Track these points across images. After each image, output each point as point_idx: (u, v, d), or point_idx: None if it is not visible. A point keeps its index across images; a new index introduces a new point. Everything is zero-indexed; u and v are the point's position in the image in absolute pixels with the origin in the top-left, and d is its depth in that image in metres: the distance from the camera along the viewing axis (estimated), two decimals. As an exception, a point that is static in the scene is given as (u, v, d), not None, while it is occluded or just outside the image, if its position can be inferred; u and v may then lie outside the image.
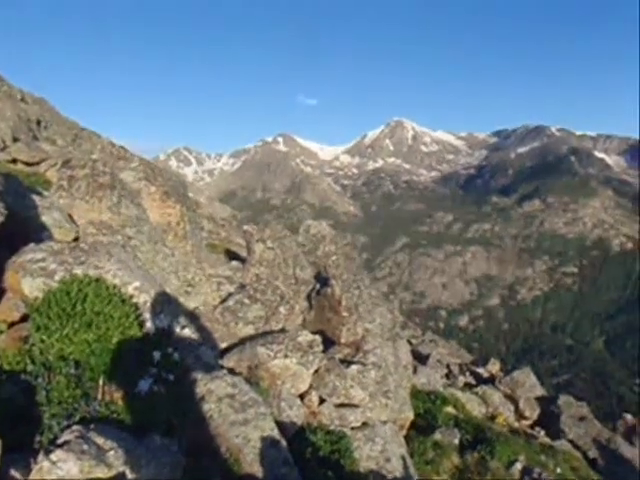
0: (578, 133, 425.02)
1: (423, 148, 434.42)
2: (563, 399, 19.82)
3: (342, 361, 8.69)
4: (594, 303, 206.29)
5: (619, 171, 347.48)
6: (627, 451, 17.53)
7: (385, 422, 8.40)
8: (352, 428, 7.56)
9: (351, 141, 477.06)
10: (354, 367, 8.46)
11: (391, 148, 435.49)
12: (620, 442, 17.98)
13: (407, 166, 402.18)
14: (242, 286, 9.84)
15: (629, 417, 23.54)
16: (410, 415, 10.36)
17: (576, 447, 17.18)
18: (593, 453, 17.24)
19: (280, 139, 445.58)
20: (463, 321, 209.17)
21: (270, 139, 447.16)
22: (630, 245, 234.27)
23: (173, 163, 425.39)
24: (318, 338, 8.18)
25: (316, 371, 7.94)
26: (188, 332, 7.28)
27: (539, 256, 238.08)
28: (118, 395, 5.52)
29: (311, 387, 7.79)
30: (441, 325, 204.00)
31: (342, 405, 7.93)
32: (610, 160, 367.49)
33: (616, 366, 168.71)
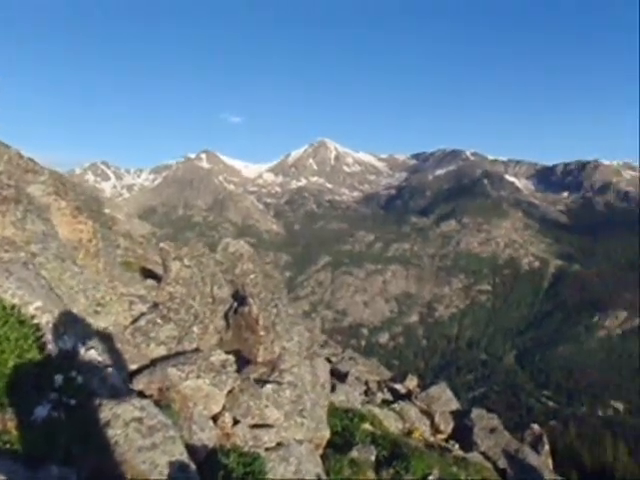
0: (491, 158, 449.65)
1: (345, 168, 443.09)
2: (476, 412, 20.53)
3: (257, 381, 8.58)
4: (506, 319, 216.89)
5: (528, 194, 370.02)
6: (534, 460, 18.41)
7: (301, 441, 8.34)
8: (266, 449, 7.44)
9: (275, 160, 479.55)
10: (269, 386, 8.36)
11: (314, 167, 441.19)
12: (527, 451, 18.85)
13: (330, 186, 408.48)
14: (155, 305, 9.54)
15: (536, 427, 24.75)
16: (326, 433, 10.36)
17: (487, 458, 17.83)
18: (503, 463, 17.96)
19: (203, 156, 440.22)
20: (384, 338, 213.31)
21: (193, 155, 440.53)
22: (538, 264, 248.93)
23: (90, 177, 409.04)
24: (231, 358, 8.04)
25: (230, 392, 7.78)
26: (94, 354, 6.94)
27: (455, 274, 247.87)
28: (12, 424, 5.17)
29: (224, 408, 7.62)
30: (362, 343, 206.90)
31: (256, 425, 7.80)
32: (520, 184, 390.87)
33: (526, 379, 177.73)
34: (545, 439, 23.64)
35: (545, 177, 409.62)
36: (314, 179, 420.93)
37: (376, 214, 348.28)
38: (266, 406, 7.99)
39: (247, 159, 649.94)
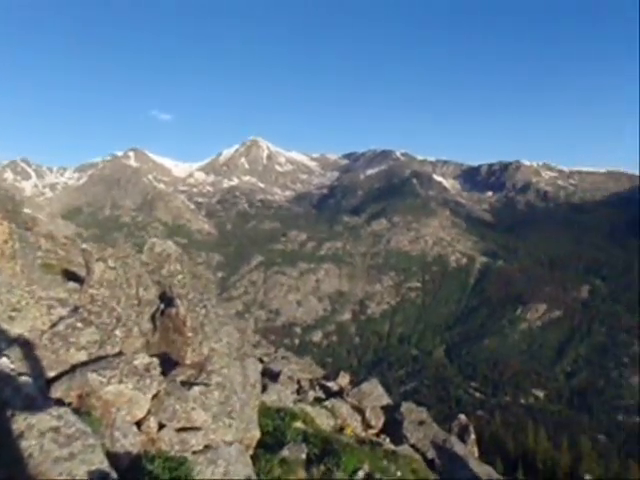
0: (419, 158, 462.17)
1: (278, 168, 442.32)
2: (405, 406, 21.01)
3: (184, 383, 8.38)
4: (435, 315, 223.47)
5: (454, 193, 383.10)
6: (460, 449, 19.09)
7: (230, 443, 8.24)
8: (194, 452, 7.29)
9: (206, 159, 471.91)
10: (196, 389, 8.19)
11: (246, 167, 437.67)
12: (454, 441, 19.51)
13: (262, 185, 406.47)
14: (75, 309, 9.14)
15: (463, 417, 25.67)
16: (257, 434, 10.28)
17: (416, 450, 18.31)
18: (431, 454, 18.50)
19: (131, 154, 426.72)
20: (317, 337, 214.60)
21: (120, 153, 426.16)
22: (464, 261, 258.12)
23: (9, 176, 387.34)
24: (156, 361, 7.82)
25: (155, 395, 7.56)
26: (7, 362, 6.57)
27: (386, 272, 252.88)
28: None
29: (149, 413, 7.39)
30: (296, 341, 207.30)
31: (183, 429, 7.62)
32: (447, 183, 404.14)
33: (454, 372, 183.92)
34: (471, 429, 24.54)
35: (470, 177, 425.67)
36: (246, 178, 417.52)
37: (308, 213, 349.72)
38: (193, 409, 7.82)
39: (177, 158, 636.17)
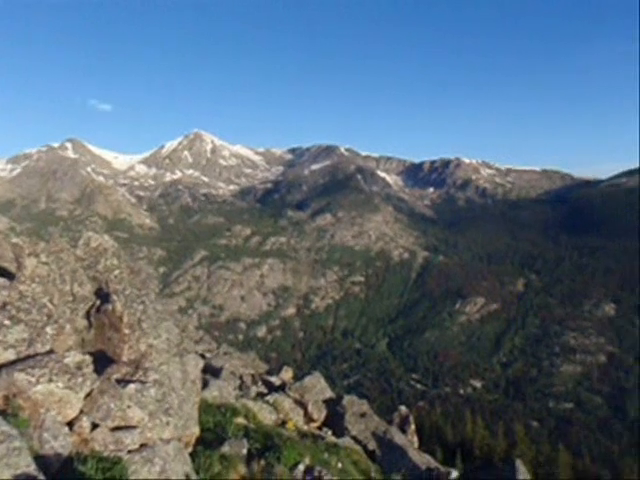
0: (363, 154, 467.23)
1: (222, 162, 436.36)
2: (347, 399, 21.28)
3: (120, 381, 8.16)
4: (378, 309, 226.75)
5: (397, 189, 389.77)
6: (400, 439, 19.52)
7: (168, 441, 8.09)
8: (129, 451, 7.11)
9: (148, 151, 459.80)
10: (132, 386, 7.98)
11: (189, 160, 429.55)
12: (394, 432, 19.93)
13: (206, 179, 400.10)
14: (3, 306, 8.72)
15: (403, 409, 26.26)
16: (196, 430, 10.15)
17: (358, 441, 18.60)
18: (372, 445, 18.84)
19: (69, 145, 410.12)
20: (261, 332, 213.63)
21: (57, 144, 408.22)
22: (406, 255, 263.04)
23: None
24: (88, 358, 7.57)
25: (88, 394, 7.32)
26: None
27: (330, 267, 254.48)
28: None
29: (82, 412, 7.15)
30: (240, 337, 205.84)
31: (118, 428, 7.42)
32: (390, 179, 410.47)
33: (397, 364, 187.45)
34: (411, 419, 25.13)
35: (413, 173, 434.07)
36: (189, 172, 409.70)
37: (253, 208, 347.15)
38: (129, 407, 7.63)
39: (118, 149, 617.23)
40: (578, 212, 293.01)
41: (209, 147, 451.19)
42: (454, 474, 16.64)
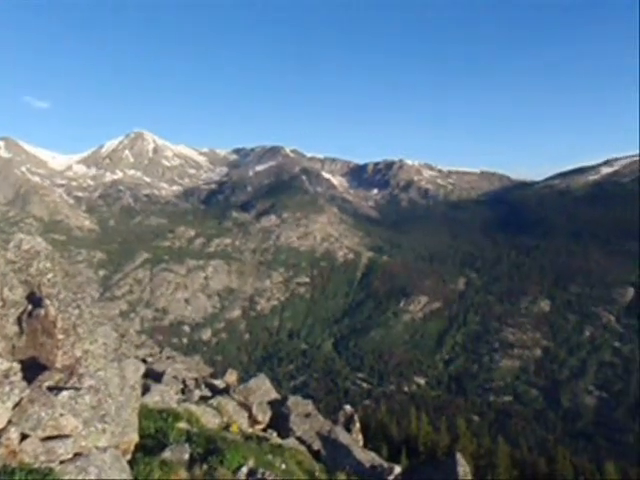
0: (308, 155, 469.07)
1: (165, 162, 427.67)
2: (292, 400, 21.24)
3: (53, 388, 7.83)
4: (323, 309, 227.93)
5: (342, 190, 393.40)
6: (344, 438, 19.67)
7: (104, 449, 7.83)
8: (62, 462, 6.83)
9: (87, 150, 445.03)
10: (65, 393, 7.66)
11: (131, 160, 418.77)
12: (339, 431, 20.06)
13: (148, 179, 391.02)
14: None
15: (348, 408, 26.46)
16: (135, 437, 9.86)
17: (302, 442, 18.60)
18: (317, 445, 18.89)
19: (1, 143, 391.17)
20: (206, 335, 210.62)
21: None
22: (351, 256, 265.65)
23: None
24: (16, 366, 7.22)
25: (17, 404, 6.98)
26: None
27: (276, 268, 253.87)
28: None
29: (10, 423, 6.81)
30: (185, 340, 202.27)
31: (50, 438, 7.11)
32: (335, 180, 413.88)
33: (342, 364, 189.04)
34: (356, 418, 25.36)
35: (357, 175, 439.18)
36: (131, 172, 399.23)
37: (197, 209, 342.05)
38: (61, 415, 7.31)
39: (55, 149, 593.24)
40: (515, 212, 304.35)
41: (151, 147, 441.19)
42: (397, 470, 16.92)
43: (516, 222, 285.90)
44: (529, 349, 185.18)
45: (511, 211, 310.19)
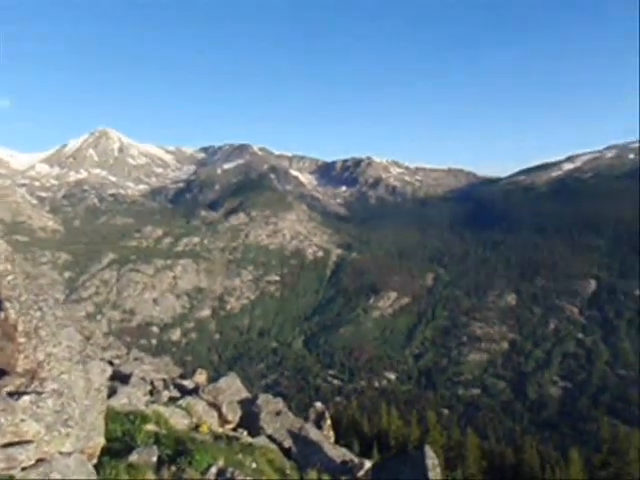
0: (277, 153, 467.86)
1: (130, 160, 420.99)
2: (262, 398, 21.19)
3: (13, 393, 7.64)
4: (294, 307, 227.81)
5: (310, 188, 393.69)
6: (315, 435, 19.73)
7: (69, 454, 7.68)
8: (23, 468, 6.67)
9: (50, 149, 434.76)
10: (26, 398, 7.48)
11: (95, 159, 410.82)
12: (310, 428, 20.10)
13: (113, 178, 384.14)
14: None
15: (318, 405, 26.54)
16: (101, 441, 9.69)
17: (273, 440, 18.58)
18: (288, 443, 18.90)
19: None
20: (175, 335, 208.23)
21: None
22: (321, 254, 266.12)
23: None
24: (-27, 371, 7.03)
25: (-25, 410, 6.79)
26: None
27: (245, 266, 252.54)
28: None
29: (-32, 430, 6.63)
30: (154, 341, 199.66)
31: (10, 444, 6.93)
32: (303, 178, 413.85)
33: (313, 361, 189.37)
34: (327, 415, 25.46)
35: (326, 172, 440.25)
36: (96, 171, 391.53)
37: (164, 208, 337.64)
38: (23, 420, 7.14)
39: (16, 148, 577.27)
40: (481, 208, 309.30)
41: (116, 145, 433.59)
42: (367, 464, 17.06)
43: (482, 218, 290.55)
44: (496, 342, 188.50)
45: (477, 207, 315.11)
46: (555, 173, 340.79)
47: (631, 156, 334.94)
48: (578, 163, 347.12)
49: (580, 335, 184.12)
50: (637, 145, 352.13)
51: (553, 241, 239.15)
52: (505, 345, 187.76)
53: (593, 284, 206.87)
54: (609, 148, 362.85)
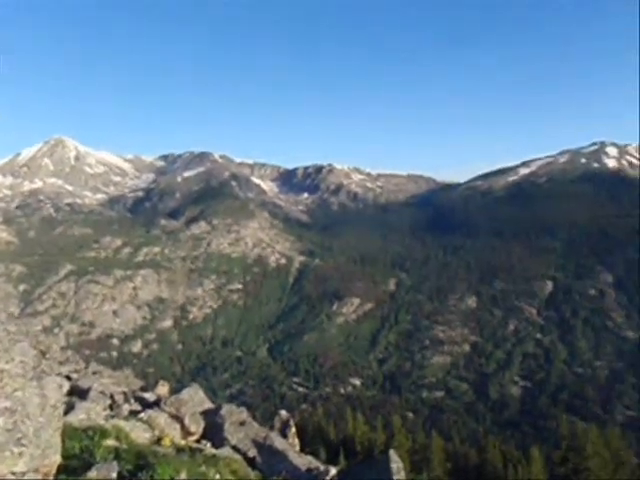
0: (238, 160, 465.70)
1: (87, 169, 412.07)
2: (225, 408, 20.92)
3: (-37, 413, 7.34)
4: (257, 315, 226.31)
5: (272, 195, 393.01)
6: (280, 443, 19.58)
7: (22, 473, 7.42)
8: (-27, 490, 6.41)
9: (2, 158, 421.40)
10: (-23, 417, 7.22)
11: (51, 168, 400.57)
12: (274, 437, 19.94)
13: (70, 188, 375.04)
14: None
15: (283, 413, 26.35)
16: (57, 458, 9.38)
17: (237, 450, 18.36)
18: (252, 452, 18.70)
19: None
20: (137, 347, 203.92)
21: None
22: (283, 261, 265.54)
23: None
24: None
25: None
26: None
27: (207, 275, 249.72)
28: None
29: None
30: (114, 354, 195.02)
31: (-41, 466, 6.67)
32: (265, 186, 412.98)
33: (278, 369, 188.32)
34: (292, 423, 25.31)
35: (287, 179, 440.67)
36: (51, 180, 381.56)
37: (123, 218, 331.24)
38: (-27, 441, 6.87)
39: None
40: (441, 214, 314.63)
41: (72, 154, 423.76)
42: (332, 471, 17.01)
43: (442, 223, 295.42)
44: (458, 345, 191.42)
45: (437, 212, 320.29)
46: (511, 178, 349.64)
47: (583, 160, 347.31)
48: (533, 168, 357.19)
49: (538, 335, 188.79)
50: (588, 150, 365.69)
51: (511, 244, 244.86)
52: (467, 347, 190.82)
53: (550, 285, 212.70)
54: (562, 153, 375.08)
